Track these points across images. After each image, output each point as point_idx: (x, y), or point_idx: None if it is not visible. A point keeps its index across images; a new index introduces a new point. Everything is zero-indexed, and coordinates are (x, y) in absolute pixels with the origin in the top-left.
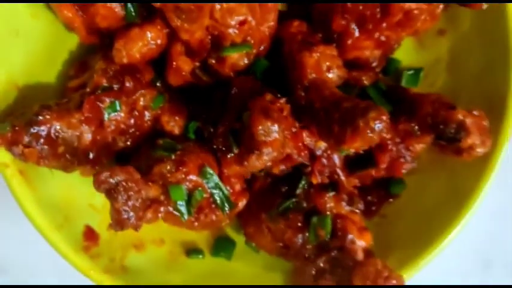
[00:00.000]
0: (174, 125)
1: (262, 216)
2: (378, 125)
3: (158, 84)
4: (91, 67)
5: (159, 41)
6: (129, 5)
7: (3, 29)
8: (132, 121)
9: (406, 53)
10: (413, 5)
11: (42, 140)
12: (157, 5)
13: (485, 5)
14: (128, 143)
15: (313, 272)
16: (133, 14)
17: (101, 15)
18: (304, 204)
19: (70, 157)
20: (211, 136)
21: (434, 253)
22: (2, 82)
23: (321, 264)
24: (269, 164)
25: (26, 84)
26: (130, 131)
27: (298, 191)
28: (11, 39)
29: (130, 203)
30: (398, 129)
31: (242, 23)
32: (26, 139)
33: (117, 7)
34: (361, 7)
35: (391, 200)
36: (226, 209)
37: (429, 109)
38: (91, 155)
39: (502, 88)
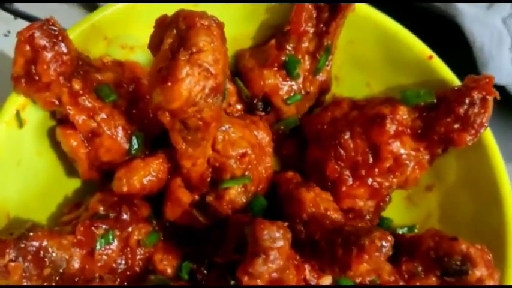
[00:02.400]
0: (167, 264)
1: None
2: (384, 244)
3: (154, 222)
4: (86, 205)
5: (160, 175)
6: (134, 138)
7: (6, 154)
8: (123, 260)
9: (397, 212)
10: (401, 150)
11: (29, 257)
12: (166, 120)
13: (470, 141)
14: (116, 283)
15: None
16: (136, 147)
17: (105, 147)
18: None
19: (54, 283)
20: (205, 278)
21: None
22: None
23: None
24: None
25: (17, 216)
26: (119, 270)
27: None
28: (11, 166)
29: None
30: (401, 271)
31: (243, 156)
32: (13, 253)
33: (122, 139)
34: (353, 153)
35: None
36: None
37: (430, 243)
38: (77, 280)
39: (498, 230)
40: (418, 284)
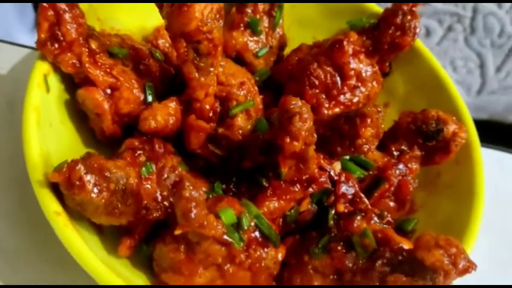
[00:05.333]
0: (200, 186)
1: (305, 259)
2: (379, 109)
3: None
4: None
5: (177, 114)
6: (147, 88)
7: (43, 116)
8: (161, 189)
9: None
10: (360, 66)
11: (96, 172)
12: (183, 48)
13: (411, 41)
14: (159, 213)
15: (377, 284)
16: (151, 95)
17: (124, 98)
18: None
19: (120, 197)
20: (236, 194)
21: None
22: (43, 155)
23: (382, 269)
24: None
25: None
26: (159, 198)
27: (330, 223)
28: (47, 126)
29: (195, 194)
30: (390, 152)
31: (242, 83)
32: (83, 169)
33: (137, 90)
34: (323, 78)
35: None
36: (274, 238)
37: (408, 119)
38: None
39: (452, 111)
40: (408, 157)
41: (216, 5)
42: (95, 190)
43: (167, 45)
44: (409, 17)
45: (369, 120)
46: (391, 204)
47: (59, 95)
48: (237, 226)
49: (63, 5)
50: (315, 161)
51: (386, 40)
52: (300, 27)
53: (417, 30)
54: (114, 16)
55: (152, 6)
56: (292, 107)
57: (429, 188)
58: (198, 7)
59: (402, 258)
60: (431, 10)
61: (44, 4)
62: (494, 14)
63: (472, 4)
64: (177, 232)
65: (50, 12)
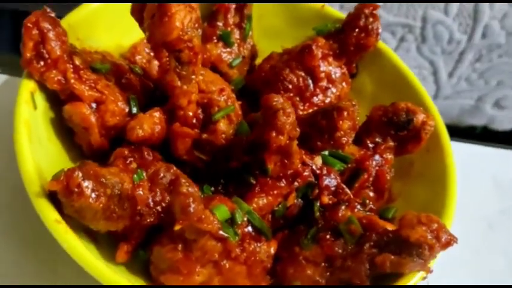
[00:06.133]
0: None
1: (296, 251)
2: (354, 103)
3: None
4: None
5: (162, 123)
6: (131, 100)
7: (32, 130)
8: (153, 195)
9: None
10: (330, 68)
11: (93, 178)
12: (164, 58)
13: (375, 41)
14: (152, 218)
15: (367, 266)
16: (135, 107)
17: (110, 111)
18: (326, 225)
19: (117, 202)
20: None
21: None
22: (37, 167)
23: (370, 251)
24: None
25: None
26: (152, 204)
27: (317, 215)
28: (36, 142)
29: (191, 189)
30: (366, 145)
31: (222, 90)
32: (81, 176)
33: (121, 102)
34: (296, 82)
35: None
36: (266, 231)
37: (379, 112)
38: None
39: (420, 104)
40: (382, 148)
41: (194, 15)
42: (93, 195)
43: (144, 61)
44: (371, 19)
45: (345, 113)
46: (371, 194)
47: (45, 112)
48: (231, 221)
49: (46, 24)
50: (298, 156)
51: (351, 42)
52: (269, 39)
53: (379, 31)
54: (93, 35)
55: (129, 25)
56: (275, 103)
57: (404, 178)
58: (178, 17)
59: (388, 238)
60: (384, 22)
61: (29, 24)
62: (442, 22)
63: (420, 14)
64: (177, 227)
65: (35, 31)
